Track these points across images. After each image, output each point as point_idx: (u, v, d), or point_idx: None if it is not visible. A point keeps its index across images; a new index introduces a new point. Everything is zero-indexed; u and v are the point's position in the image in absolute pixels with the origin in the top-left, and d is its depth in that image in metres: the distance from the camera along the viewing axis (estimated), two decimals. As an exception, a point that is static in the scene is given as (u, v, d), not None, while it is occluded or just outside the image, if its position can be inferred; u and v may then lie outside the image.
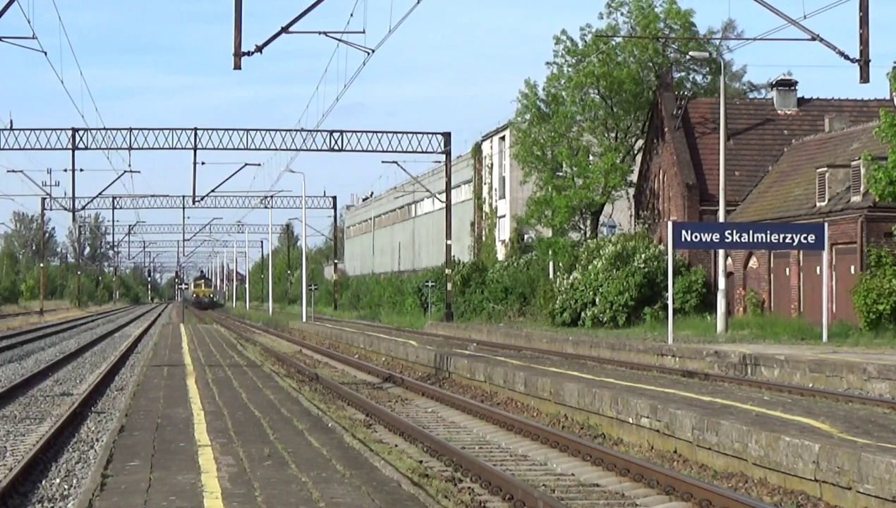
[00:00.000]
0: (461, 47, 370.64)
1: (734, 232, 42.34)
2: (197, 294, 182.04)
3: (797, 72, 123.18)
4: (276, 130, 71.21)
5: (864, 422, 17.91)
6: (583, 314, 57.36)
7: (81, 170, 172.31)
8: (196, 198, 79.75)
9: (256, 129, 70.80)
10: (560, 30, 67.29)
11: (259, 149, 71.48)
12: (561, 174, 64.82)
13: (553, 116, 64.02)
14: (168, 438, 18.18)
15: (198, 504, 12.65)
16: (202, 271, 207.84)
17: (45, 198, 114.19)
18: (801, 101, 62.53)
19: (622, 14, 63.17)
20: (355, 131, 70.98)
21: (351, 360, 43.29)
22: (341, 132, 70.59)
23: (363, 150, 70.77)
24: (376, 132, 70.88)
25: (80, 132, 68.24)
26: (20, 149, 68.52)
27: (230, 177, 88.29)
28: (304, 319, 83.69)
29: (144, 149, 70.03)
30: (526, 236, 79.11)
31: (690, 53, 57.85)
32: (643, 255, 56.65)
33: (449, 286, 72.37)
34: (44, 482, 16.30)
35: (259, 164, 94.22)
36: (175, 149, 70.43)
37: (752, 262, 54.18)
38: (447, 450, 18.70)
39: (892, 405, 24.01)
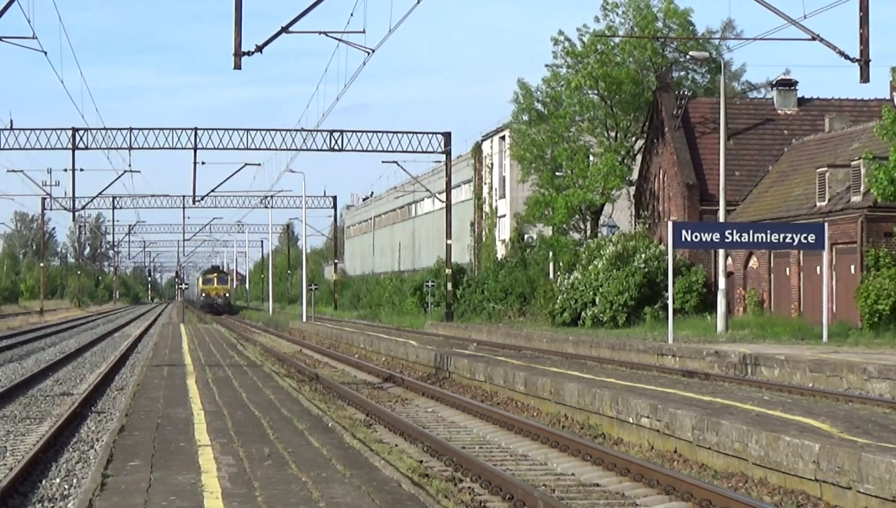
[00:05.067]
0: (461, 47, 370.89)
1: (734, 232, 42.35)
2: (207, 292, 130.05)
3: (797, 72, 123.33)
4: (276, 130, 71.31)
5: (865, 422, 17.91)
6: (583, 314, 57.35)
7: (81, 170, 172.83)
8: (196, 198, 79.86)
9: (256, 129, 70.91)
10: (558, 31, 67.31)
11: (259, 149, 71.58)
12: (560, 174, 64.80)
13: (551, 117, 64.00)
14: (168, 438, 18.18)
15: (198, 504, 12.65)
16: (211, 265, 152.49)
17: (45, 198, 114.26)
18: (801, 101, 62.52)
19: (618, 15, 63.18)
20: (355, 131, 71.10)
21: (351, 360, 43.28)
22: (341, 132, 70.65)
23: (363, 150, 70.81)
24: (376, 132, 70.99)
25: (80, 132, 68.26)
26: (20, 149, 68.61)
27: (230, 177, 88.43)
28: (304, 319, 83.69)
29: (144, 149, 70.17)
30: (526, 236, 79.11)
31: (690, 53, 57.82)
32: (643, 255, 56.65)
33: (449, 286, 72.40)
34: (44, 482, 16.30)
35: (259, 164, 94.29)
36: (175, 149, 70.51)
37: (753, 262, 54.18)
38: (447, 450, 18.70)
39: (892, 405, 24.01)
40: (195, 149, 69.47)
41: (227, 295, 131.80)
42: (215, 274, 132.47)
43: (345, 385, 31.98)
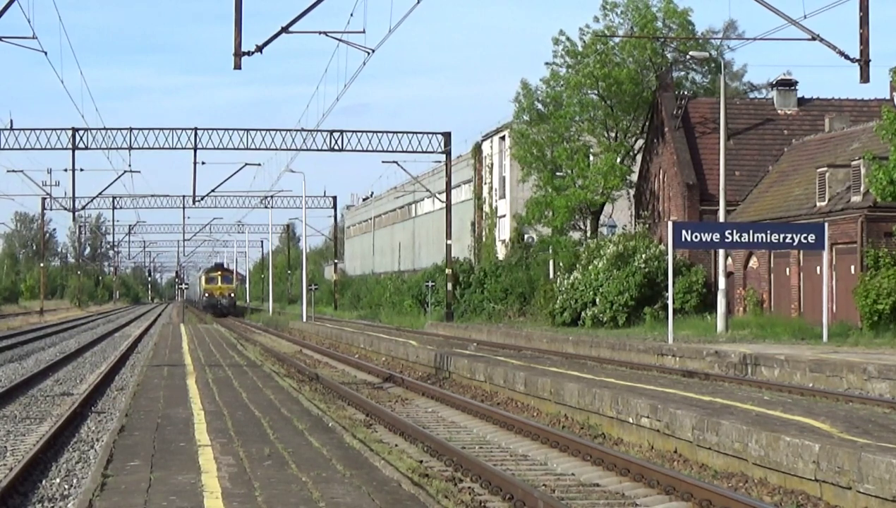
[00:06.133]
0: (461, 47, 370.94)
1: (734, 232, 42.35)
2: (211, 292, 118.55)
3: (797, 72, 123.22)
4: (276, 130, 71.32)
5: (865, 422, 17.91)
6: (583, 314, 57.35)
7: (81, 170, 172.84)
8: (196, 198, 79.87)
9: (256, 129, 70.92)
10: (558, 30, 67.34)
11: (259, 149, 71.60)
12: (560, 174, 64.80)
13: (551, 117, 64.00)
14: (168, 438, 18.18)
15: (198, 504, 12.65)
16: (214, 263, 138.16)
17: (45, 198, 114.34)
18: (802, 101, 62.52)
19: (617, 15, 63.19)
20: (355, 131, 71.12)
21: (351, 360, 43.28)
22: (341, 132, 70.67)
23: (363, 150, 70.83)
24: (376, 132, 71.00)
25: (80, 132, 68.27)
26: (20, 149, 68.61)
27: (230, 177, 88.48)
28: (304, 319, 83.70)
29: (144, 149, 70.21)
30: (526, 236, 79.18)
31: (690, 53, 57.86)
32: (643, 255, 56.65)
33: (449, 286, 72.42)
34: (44, 482, 16.30)
35: (259, 164, 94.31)
36: (175, 149, 70.52)
37: (753, 262, 54.18)
38: (447, 450, 18.70)
39: (892, 405, 24.01)
40: (195, 149, 69.49)
41: (232, 294, 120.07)
42: (219, 273, 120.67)
43: (345, 385, 31.98)
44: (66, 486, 15.88)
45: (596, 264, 57.69)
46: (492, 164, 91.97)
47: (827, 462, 14.96)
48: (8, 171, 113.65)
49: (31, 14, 64.66)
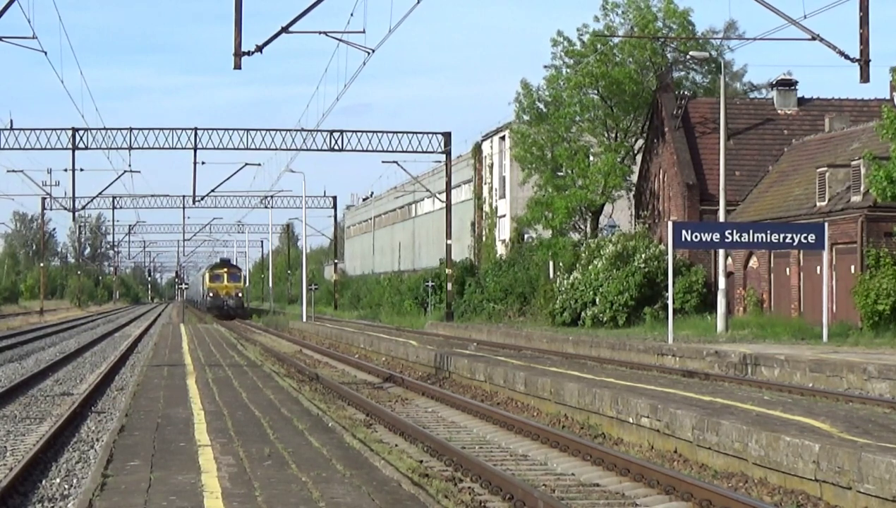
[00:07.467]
0: (461, 47, 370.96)
1: (734, 232, 42.36)
2: (216, 291, 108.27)
3: (797, 72, 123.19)
4: (276, 130, 71.34)
5: (865, 422, 17.91)
6: (583, 314, 57.35)
7: (81, 170, 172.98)
8: (196, 198, 79.91)
9: (256, 129, 70.94)
10: (556, 31, 67.31)
11: (259, 149, 71.63)
12: (561, 174, 64.80)
13: (552, 117, 63.98)
14: (168, 438, 18.19)
15: (198, 504, 12.66)
16: (220, 259, 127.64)
17: (45, 198, 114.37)
18: (802, 101, 62.51)
19: (618, 15, 63.20)
20: (355, 131, 71.14)
21: (351, 360, 43.27)
22: (341, 132, 70.68)
23: (363, 150, 70.85)
24: (376, 132, 71.03)
25: (80, 132, 68.28)
26: (20, 149, 68.65)
27: (230, 177, 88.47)
28: (304, 319, 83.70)
29: (144, 149, 70.25)
30: (526, 236, 79.16)
31: (690, 53, 57.83)
32: (643, 255, 56.64)
33: (449, 286, 72.41)
34: (44, 482, 16.30)
35: (259, 164, 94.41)
36: (175, 149, 70.56)
37: (753, 262, 54.17)
38: (447, 450, 18.70)
39: (892, 405, 24.01)
40: (195, 149, 69.50)
41: (240, 294, 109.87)
42: (225, 270, 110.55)
43: (345, 385, 31.98)
44: (66, 486, 15.88)
45: (596, 264, 57.69)
46: (492, 164, 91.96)
47: (827, 462, 14.97)
48: (8, 171, 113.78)
49: (31, 14, 64.72)
